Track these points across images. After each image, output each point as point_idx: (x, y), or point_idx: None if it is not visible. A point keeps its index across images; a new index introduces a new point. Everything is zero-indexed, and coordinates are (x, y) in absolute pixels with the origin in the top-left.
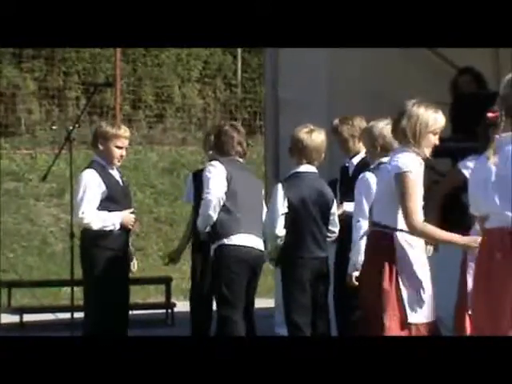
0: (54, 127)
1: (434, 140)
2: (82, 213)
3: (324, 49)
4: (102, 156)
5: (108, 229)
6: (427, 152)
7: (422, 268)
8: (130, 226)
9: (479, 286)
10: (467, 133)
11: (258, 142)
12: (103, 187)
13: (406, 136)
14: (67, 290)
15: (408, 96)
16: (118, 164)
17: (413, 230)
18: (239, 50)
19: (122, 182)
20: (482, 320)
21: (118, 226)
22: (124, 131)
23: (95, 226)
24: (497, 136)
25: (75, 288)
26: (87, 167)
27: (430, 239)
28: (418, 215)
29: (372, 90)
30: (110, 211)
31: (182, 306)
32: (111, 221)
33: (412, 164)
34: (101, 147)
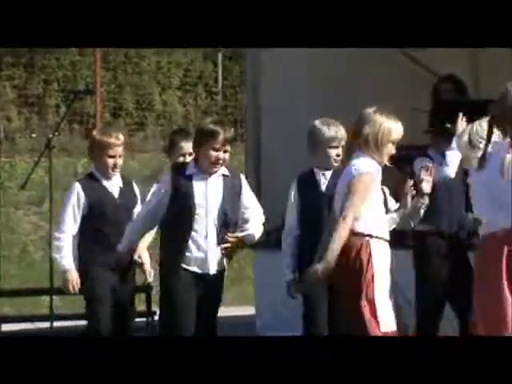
0: (33, 135)
1: (392, 149)
2: (58, 231)
3: (305, 55)
4: (97, 167)
5: (56, 261)
6: (386, 160)
7: (389, 274)
8: (66, 288)
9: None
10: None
11: (238, 149)
12: (84, 203)
13: (368, 143)
14: (46, 298)
15: (389, 101)
16: (114, 173)
17: (336, 225)
18: (220, 58)
19: (122, 195)
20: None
21: (60, 269)
22: (115, 139)
23: (53, 251)
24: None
25: (54, 297)
26: (78, 180)
27: (333, 234)
28: (350, 217)
29: (354, 96)
30: (96, 228)
31: None
32: (62, 261)
33: (369, 168)
34: (95, 157)
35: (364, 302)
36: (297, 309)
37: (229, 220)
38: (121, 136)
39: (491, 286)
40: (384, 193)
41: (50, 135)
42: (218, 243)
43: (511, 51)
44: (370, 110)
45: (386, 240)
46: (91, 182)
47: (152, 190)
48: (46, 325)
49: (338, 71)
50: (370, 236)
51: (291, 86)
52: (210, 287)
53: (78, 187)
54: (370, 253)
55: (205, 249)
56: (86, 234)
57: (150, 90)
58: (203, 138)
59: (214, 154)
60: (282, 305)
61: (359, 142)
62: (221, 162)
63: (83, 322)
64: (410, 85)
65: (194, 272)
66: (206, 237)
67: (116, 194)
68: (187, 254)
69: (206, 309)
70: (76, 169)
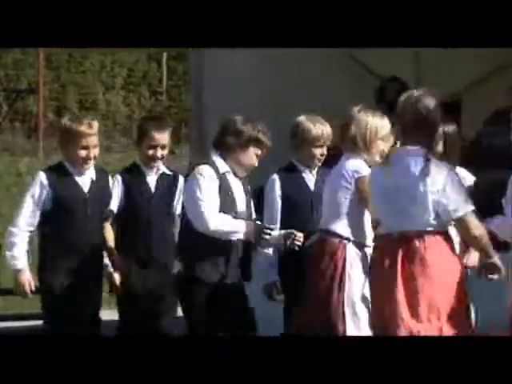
0: None
1: (382, 145)
2: (13, 225)
3: (250, 53)
4: (68, 158)
5: (7, 258)
6: (377, 158)
7: (366, 279)
8: (16, 290)
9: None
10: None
11: (183, 150)
12: (47, 196)
13: (356, 143)
14: None
15: (334, 101)
16: (86, 167)
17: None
18: (164, 58)
19: (93, 190)
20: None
21: (11, 266)
22: (87, 127)
23: (6, 248)
24: (396, 149)
25: None
26: (43, 169)
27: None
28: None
29: (302, 93)
30: (60, 227)
31: (105, 314)
32: (14, 259)
33: (364, 170)
34: (65, 148)
35: (335, 305)
36: (260, 311)
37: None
38: (95, 124)
39: (386, 287)
40: None
41: None
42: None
43: (451, 51)
44: (355, 110)
45: (365, 245)
46: (59, 172)
47: (200, 179)
48: None
49: (283, 70)
50: (348, 239)
51: (234, 85)
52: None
53: (42, 177)
54: (345, 257)
55: (240, 257)
56: (47, 234)
57: (94, 89)
58: (251, 141)
59: (255, 161)
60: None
61: (347, 142)
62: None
63: (24, 323)
64: (356, 85)
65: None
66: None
67: (86, 188)
68: (229, 262)
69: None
70: (18, 168)
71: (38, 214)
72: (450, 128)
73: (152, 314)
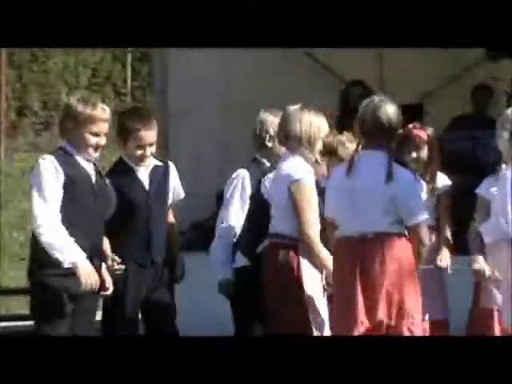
0: None
1: (321, 146)
2: (37, 215)
3: (214, 54)
4: (71, 143)
5: (55, 257)
6: (318, 157)
7: (319, 282)
8: (86, 285)
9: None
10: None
11: None
12: (62, 178)
13: (301, 142)
14: None
15: (297, 103)
16: (95, 155)
17: (307, 239)
18: (129, 58)
19: (98, 180)
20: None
21: (66, 265)
22: (102, 112)
23: (44, 238)
24: (357, 152)
25: None
26: (49, 153)
27: (313, 252)
28: (314, 224)
29: (265, 98)
30: (71, 216)
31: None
32: (65, 252)
33: (304, 170)
34: (70, 133)
35: (298, 307)
36: (218, 309)
37: None
38: (107, 109)
39: (347, 288)
40: None
41: None
42: None
43: (413, 52)
44: (295, 108)
45: None
46: (65, 156)
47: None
48: None
49: (247, 71)
50: (297, 240)
51: (197, 86)
52: None
53: (52, 160)
54: (298, 258)
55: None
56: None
57: (57, 89)
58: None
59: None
60: (205, 305)
61: (288, 141)
62: None
63: (25, 323)
64: (319, 87)
65: None
66: None
67: (93, 177)
68: None
69: None
70: None
71: (61, 197)
72: (430, 130)
73: (149, 314)
